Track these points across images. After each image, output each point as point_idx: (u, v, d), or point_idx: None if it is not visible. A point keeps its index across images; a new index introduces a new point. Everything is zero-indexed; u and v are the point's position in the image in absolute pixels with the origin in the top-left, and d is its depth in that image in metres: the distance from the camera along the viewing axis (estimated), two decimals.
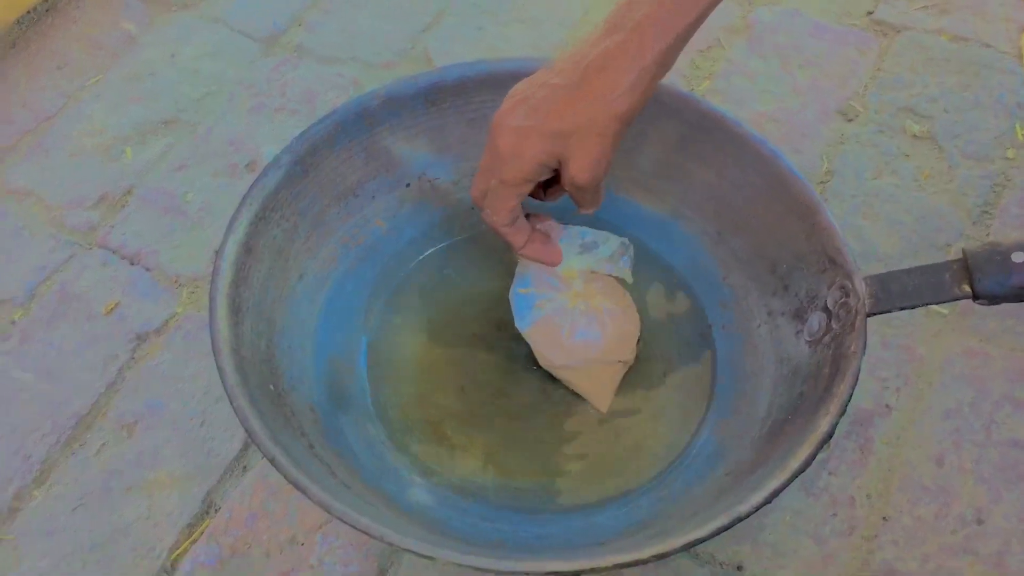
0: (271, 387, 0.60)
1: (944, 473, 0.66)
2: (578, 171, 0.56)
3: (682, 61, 0.71)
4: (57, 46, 0.99)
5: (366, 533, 0.51)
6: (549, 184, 0.63)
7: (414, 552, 0.50)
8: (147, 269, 0.81)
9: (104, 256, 0.83)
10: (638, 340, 0.68)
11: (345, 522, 0.51)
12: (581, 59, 0.55)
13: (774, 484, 0.52)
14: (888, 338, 0.73)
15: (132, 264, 0.82)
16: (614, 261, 0.67)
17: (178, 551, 0.66)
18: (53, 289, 0.81)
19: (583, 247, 0.67)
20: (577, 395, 0.68)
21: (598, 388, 0.67)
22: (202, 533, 0.67)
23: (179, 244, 0.83)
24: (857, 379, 0.56)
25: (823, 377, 0.58)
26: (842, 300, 0.60)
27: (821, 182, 0.82)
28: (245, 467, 0.70)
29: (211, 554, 0.66)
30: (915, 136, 0.85)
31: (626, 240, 0.68)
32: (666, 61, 0.54)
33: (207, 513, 0.68)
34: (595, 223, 0.73)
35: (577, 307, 0.66)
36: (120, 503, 0.69)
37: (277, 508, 0.67)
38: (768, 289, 0.67)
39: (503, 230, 0.61)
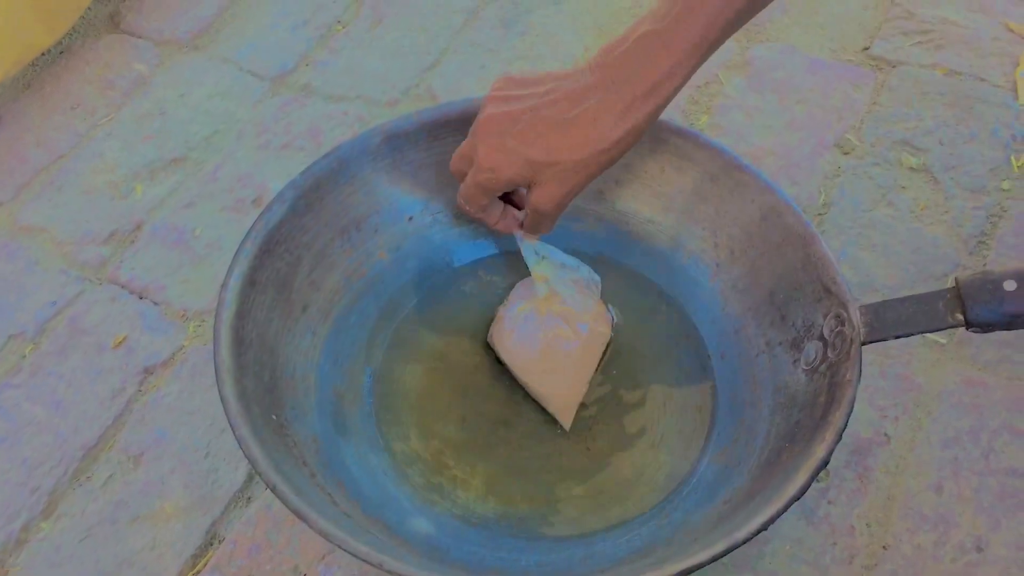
0: (274, 417, 0.61)
1: (943, 501, 0.67)
2: (544, 199, 0.60)
3: (681, 96, 0.72)
4: (70, 87, 1.02)
5: (366, 561, 0.51)
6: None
7: None
8: (155, 303, 0.83)
9: (113, 291, 0.84)
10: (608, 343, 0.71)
11: (345, 550, 0.52)
12: (577, 100, 0.57)
13: (770, 511, 0.53)
14: (886, 367, 0.73)
15: (141, 298, 0.83)
16: (579, 286, 0.70)
17: None
18: (63, 323, 0.82)
19: (557, 263, 0.70)
20: (579, 426, 0.68)
21: (562, 404, 0.68)
22: (206, 564, 0.67)
23: (187, 278, 0.84)
24: (852, 407, 0.56)
25: (819, 405, 0.59)
26: (837, 329, 0.61)
27: (819, 214, 0.83)
28: (249, 498, 0.70)
29: None
30: (911, 168, 0.86)
31: (596, 277, 0.71)
32: (653, 119, 0.58)
33: (211, 544, 0.69)
34: (596, 256, 0.75)
35: (548, 313, 0.69)
36: (126, 534, 0.69)
37: (280, 539, 0.68)
38: (766, 319, 0.68)
39: (476, 215, 0.66)
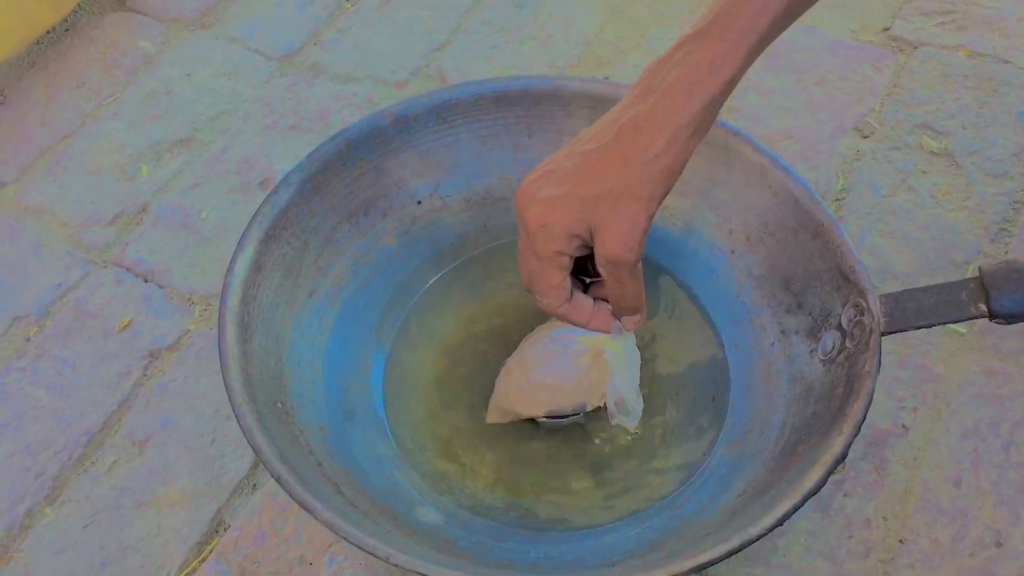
0: (279, 405, 0.60)
1: (962, 495, 0.65)
2: (611, 241, 0.51)
3: None
4: (76, 65, 1.00)
5: (371, 553, 0.51)
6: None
7: (420, 573, 0.50)
8: (160, 286, 0.82)
9: (119, 274, 0.83)
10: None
11: (351, 542, 0.51)
12: (612, 123, 0.51)
13: (786, 506, 0.51)
14: (905, 357, 0.72)
15: (146, 281, 0.82)
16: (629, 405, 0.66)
17: (187, 569, 0.66)
18: (68, 306, 0.81)
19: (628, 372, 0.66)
20: (589, 414, 0.67)
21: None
22: (211, 551, 0.67)
23: (193, 261, 0.83)
24: (871, 399, 0.55)
25: (836, 397, 0.58)
26: (856, 319, 0.59)
27: (836, 199, 0.82)
28: (255, 485, 0.70)
29: (220, 573, 0.65)
30: (932, 153, 0.84)
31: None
32: (704, 120, 0.50)
33: (216, 532, 0.68)
34: None
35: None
36: (130, 520, 0.69)
37: (286, 527, 0.67)
38: (782, 307, 0.67)
39: (561, 311, 0.56)
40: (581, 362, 0.65)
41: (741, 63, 0.50)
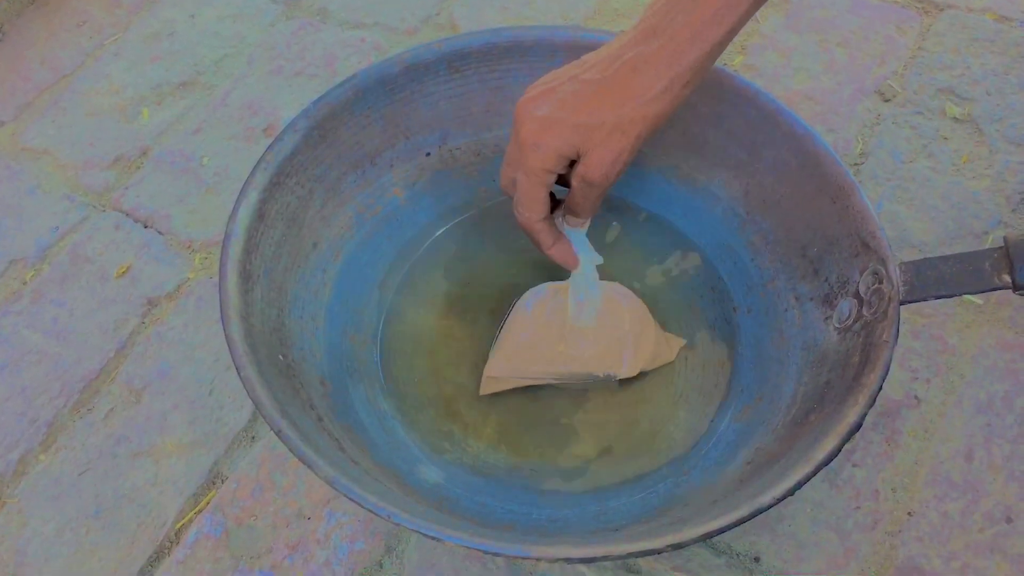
0: (281, 357, 0.58)
1: (973, 469, 0.64)
2: (594, 166, 0.54)
3: None
4: (77, 3, 0.98)
5: (372, 511, 0.49)
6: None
7: (420, 533, 0.49)
8: (160, 233, 0.80)
9: (118, 218, 0.81)
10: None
11: (351, 499, 0.50)
12: (615, 58, 0.53)
13: (797, 476, 0.50)
14: (919, 328, 0.70)
15: (146, 227, 0.80)
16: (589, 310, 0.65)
17: (183, 520, 0.65)
18: (65, 250, 0.79)
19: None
20: (595, 376, 0.65)
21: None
22: (208, 503, 0.66)
23: (193, 208, 0.81)
24: (888, 369, 0.53)
25: (852, 366, 0.56)
26: (875, 286, 0.58)
27: (855, 164, 0.79)
28: (253, 437, 0.68)
29: (217, 524, 0.65)
30: (955, 119, 0.82)
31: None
32: (701, 68, 0.53)
33: (213, 483, 0.67)
34: (618, 200, 0.72)
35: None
36: (127, 469, 0.68)
37: (285, 481, 0.66)
38: (797, 273, 0.65)
39: (535, 226, 0.59)
40: (590, 342, 0.64)
41: (743, 14, 0.52)
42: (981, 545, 0.61)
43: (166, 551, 0.64)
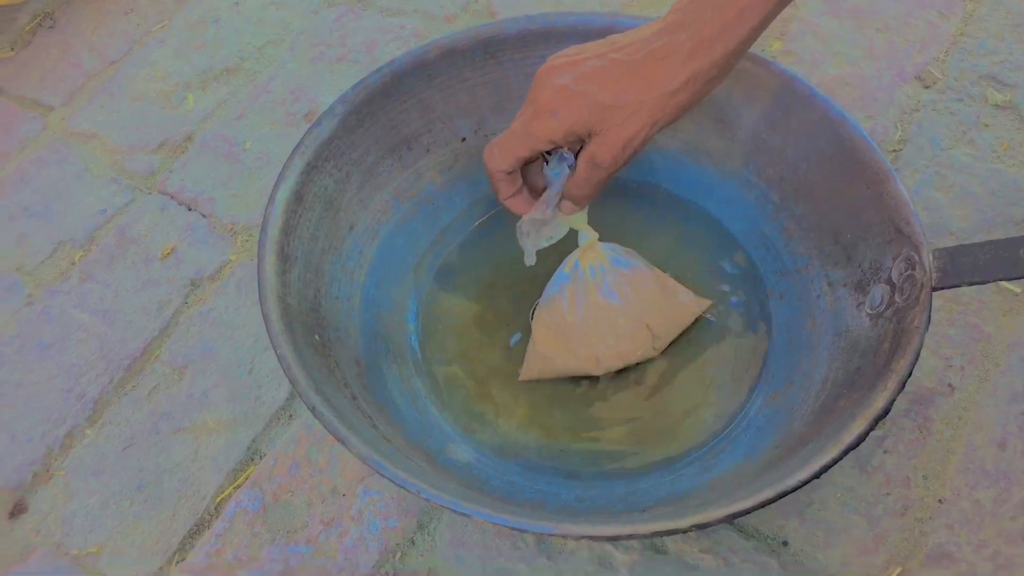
0: (316, 337, 0.60)
1: (1007, 457, 0.64)
2: (606, 147, 0.55)
3: None
4: None
5: (403, 487, 0.50)
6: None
7: (449, 508, 0.50)
8: (204, 215, 0.82)
9: (163, 201, 0.83)
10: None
11: (382, 475, 0.51)
12: (645, 44, 0.54)
13: (824, 459, 0.50)
14: (955, 315, 0.70)
15: (189, 210, 0.82)
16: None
17: (222, 495, 0.67)
18: (112, 232, 0.82)
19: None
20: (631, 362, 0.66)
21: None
22: (246, 479, 0.67)
23: (236, 192, 0.83)
24: (918, 355, 0.53)
25: (882, 352, 0.56)
26: (907, 272, 0.57)
27: (893, 150, 0.79)
28: (291, 416, 0.70)
29: (254, 500, 0.66)
30: (996, 106, 0.81)
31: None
32: (726, 65, 0.54)
33: (252, 460, 0.68)
34: (650, 185, 0.72)
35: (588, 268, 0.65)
36: (168, 445, 0.70)
37: (320, 459, 0.68)
38: (830, 259, 0.65)
39: (497, 175, 0.59)
40: (620, 324, 0.64)
41: (767, 14, 0.53)
42: (1013, 533, 0.61)
43: (206, 524, 0.66)
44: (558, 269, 0.66)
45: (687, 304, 0.67)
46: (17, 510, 0.68)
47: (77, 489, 0.68)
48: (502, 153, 0.58)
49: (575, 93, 0.54)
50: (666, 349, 0.67)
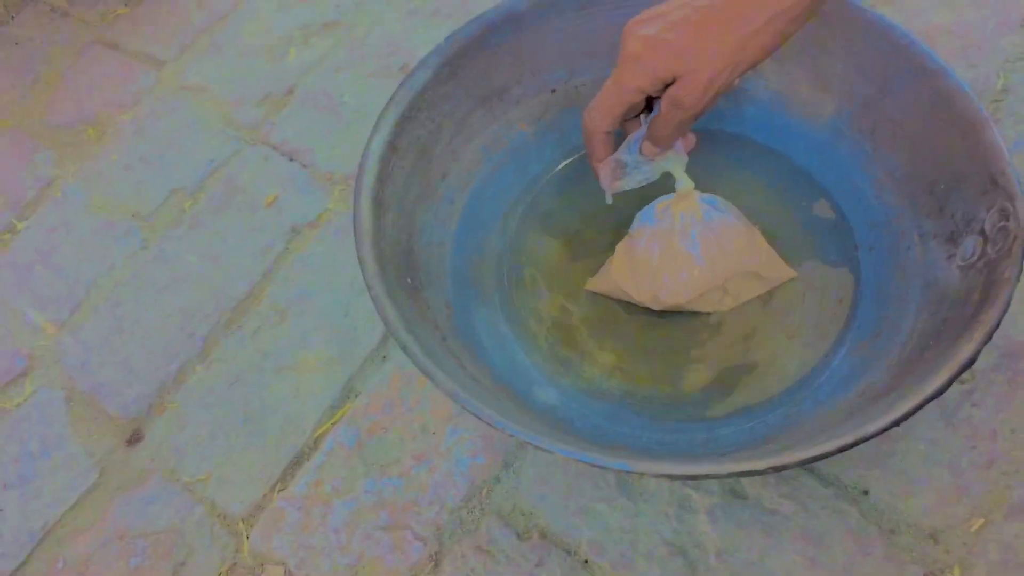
0: (409, 280, 0.62)
1: None
2: (688, 88, 0.55)
3: None
4: None
5: (489, 424, 0.53)
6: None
7: (533, 445, 0.52)
8: (304, 166, 0.85)
9: (266, 151, 0.87)
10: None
11: (470, 411, 0.53)
12: None
13: (906, 407, 0.50)
14: None
15: (291, 160, 0.86)
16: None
17: (320, 430, 0.71)
18: (220, 181, 0.86)
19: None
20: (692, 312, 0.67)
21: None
22: (343, 415, 0.71)
23: (334, 143, 0.86)
24: (1008, 306, 0.53)
25: (971, 303, 0.55)
26: (1001, 224, 0.56)
27: (995, 100, 0.77)
28: (384, 357, 0.73)
29: (351, 435, 0.70)
30: None
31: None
32: (809, 6, 0.53)
33: (348, 397, 0.72)
34: (741, 136, 0.72)
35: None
36: (271, 382, 0.74)
37: (412, 398, 0.71)
38: (923, 210, 0.64)
39: (597, 135, 0.60)
40: (694, 275, 0.65)
41: None
42: None
43: (305, 456, 0.70)
44: (649, 205, 0.67)
45: (770, 272, 0.67)
46: (134, 438, 0.73)
47: (188, 421, 0.73)
48: (599, 112, 0.59)
49: (659, 40, 0.54)
50: (753, 298, 0.67)
